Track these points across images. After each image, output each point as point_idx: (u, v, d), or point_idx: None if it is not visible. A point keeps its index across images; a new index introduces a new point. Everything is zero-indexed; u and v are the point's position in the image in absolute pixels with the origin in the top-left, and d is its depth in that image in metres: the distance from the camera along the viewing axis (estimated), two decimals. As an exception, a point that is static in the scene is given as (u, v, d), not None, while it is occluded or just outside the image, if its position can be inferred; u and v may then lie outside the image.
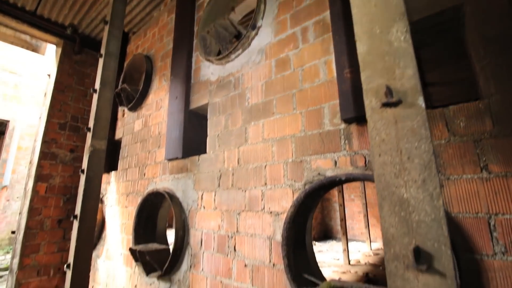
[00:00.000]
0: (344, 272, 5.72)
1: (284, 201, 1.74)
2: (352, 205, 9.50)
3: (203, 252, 2.16)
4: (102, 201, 3.81)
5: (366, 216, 8.13)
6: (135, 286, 2.77)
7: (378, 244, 8.37)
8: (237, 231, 1.97)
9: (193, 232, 2.30)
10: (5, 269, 5.68)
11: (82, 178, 2.25)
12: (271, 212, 1.80)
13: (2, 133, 9.22)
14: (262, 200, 1.87)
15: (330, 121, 1.65)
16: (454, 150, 1.22)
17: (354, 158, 1.50)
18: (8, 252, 7.18)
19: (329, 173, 1.56)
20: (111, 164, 3.91)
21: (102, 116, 2.42)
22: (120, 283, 3.03)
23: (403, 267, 0.63)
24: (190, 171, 2.50)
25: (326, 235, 10.15)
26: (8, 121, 8.17)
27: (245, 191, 1.99)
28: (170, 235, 7.66)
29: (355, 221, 9.35)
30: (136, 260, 2.62)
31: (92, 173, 2.26)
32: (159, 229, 2.99)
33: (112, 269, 3.24)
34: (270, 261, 1.73)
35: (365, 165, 1.44)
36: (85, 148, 2.35)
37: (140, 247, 2.47)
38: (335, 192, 10.07)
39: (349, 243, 8.88)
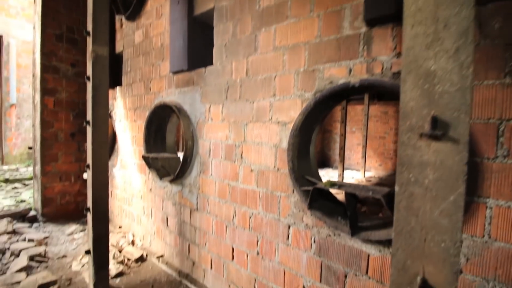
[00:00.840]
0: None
1: (292, 112, 1.75)
2: (352, 137, 9.73)
3: (212, 160, 2.30)
4: (110, 116, 3.89)
5: (365, 147, 8.40)
6: (150, 189, 3.07)
7: (371, 173, 8.90)
8: (244, 140, 2.05)
9: (201, 142, 2.40)
10: (30, 178, 6.25)
11: (89, 85, 2.23)
12: (278, 122, 1.83)
13: (-3, 48, 8.78)
14: (270, 111, 1.88)
15: (350, 24, 1.51)
16: (482, 54, 1.13)
17: (371, 65, 1.42)
18: (29, 165, 7.77)
19: (343, 81, 1.51)
20: (115, 79, 3.83)
21: (100, 20, 2.24)
22: (136, 187, 3.35)
23: (416, 137, 0.65)
24: (197, 84, 2.45)
25: (324, 163, 10.73)
26: (0, 36, 7.68)
27: (253, 102, 1.99)
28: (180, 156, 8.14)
29: (352, 152, 9.74)
30: (149, 166, 2.83)
31: (98, 81, 2.23)
32: (168, 142, 3.13)
33: (128, 176, 3.53)
34: (275, 166, 1.85)
35: (382, 72, 1.38)
36: (87, 54, 2.25)
37: (152, 155, 2.62)
38: (337, 124, 10.18)
39: (344, 171, 9.47)
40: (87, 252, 2.24)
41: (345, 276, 1.51)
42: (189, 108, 2.52)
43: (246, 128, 2.04)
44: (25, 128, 8.17)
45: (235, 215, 2.10)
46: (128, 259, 2.85)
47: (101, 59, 2.29)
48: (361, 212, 1.55)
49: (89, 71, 2.25)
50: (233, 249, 2.12)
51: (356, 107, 9.20)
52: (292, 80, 1.75)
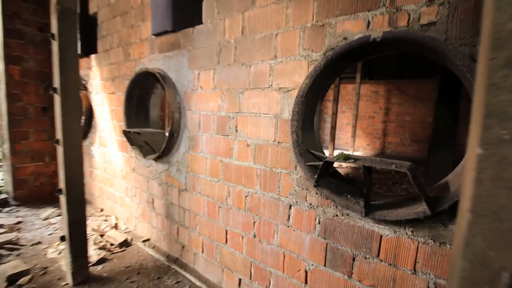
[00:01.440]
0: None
1: (297, 75, 1.51)
2: (342, 117, 9.63)
3: (202, 134, 2.05)
4: (86, 88, 3.49)
5: (355, 126, 8.34)
6: (133, 169, 2.80)
7: (359, 153, 8.93)
8: (239, 111, 1.80)
9: (190, 114, 2.14)
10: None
11: (55, 45, 1.88)
12: (280, 89, 1.59)
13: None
14: (270, 75, 1.63)
15: (370, -33, 1.25)
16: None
17: (394, 17, 1.19)
18: None
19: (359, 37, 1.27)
20: (90, 46, 3.40)
21: (64, -36, 1.86)
22: (117, 166, 3.07)
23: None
24: (184, 47, 2.14)
25: (314, 144, 10.64)
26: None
27: (250, 66, 1.72)
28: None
29: (342, 132, 9.68)
30: (131, 143, 2.54)
31: (65, 40, 1.88)
32: (152, 117, 2.83)
33: (108, 155, 3.23)
34: (275, 139, 1.63)
35: (407, 24, 1.15)
36: (51, 7, 1.88)
37: (134, 130, 2.34)
38: (327, 103, 10.02)
39: (334, 150, 9.44)
40: (62, 238, 2.00)
41: (353, 259, 1.37)
42: (175, 75, 2.22)
43: (241, 97, 1.79)
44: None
45: (229, 195, 1.90)
46: (111, 244, 2.63)
47: (69, 13, 1.92)
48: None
49: (54, 28, 1.88)
50: (226, 231, 1.94)
51: (347, 86, 9.02)
52: (297, 38, 1.50)
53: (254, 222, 1.76)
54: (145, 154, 2.44)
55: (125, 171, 2.94)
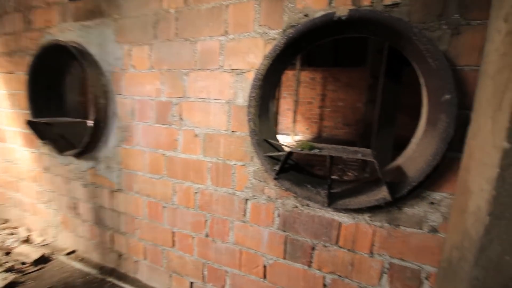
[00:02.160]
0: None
1: (252, 56, 1.34)
2: (283, 103, 9.92)
3: (138, 124, 1.72)
4: (-34, 64, 2.62)
5: (295, 112, 8.70)
6: (46, 168, 2.25)
7: (300, 137, 9.41)
8: (184, 96, 1.55)
9: (120, 100, 1.77)
10: None
11: None
12: (232, 70, 1.40)
13: None
14: (220, 55, 1.42)
15: None
16: (488, -17, 0.95)
17: (356, -5, 1.12)
18: None
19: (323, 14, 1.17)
20: (-33, 6, 2.53)
21: None
22: (23, 166, 2.44)
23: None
24: (108, 16, 1.73)
25: (256, 130, 10.74)
26: None
27: (196, 43, 1.48)
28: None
29: (283, 117, 10.00)
30: (41, 137, 2.01)
31: None
32: (69, 103, 2.30)
33: (9, 152, 2.53)
34: (227, 128, 1.45)
35: (371, 4, 1.10)
36: None
37: (43, 120, 1.83)
38: (269, 90, 10.13)
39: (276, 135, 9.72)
40: None
41: (313, 249, 1.33)
42: (98, 51, 1.80)
43: (186, 79, 1.53)
44: None
45: (175, 193, 1.66)
46: (23, 263, 2.10)
47: None
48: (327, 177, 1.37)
49: None
50: (173, 233, 1.71)
51: (287, 72, 9.26)
52: (252, 11, 1.32)
53: (206, 221, 1.58)
54: (61, 150, 1.96)
55: (35, 172, 2.35)
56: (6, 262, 2.09)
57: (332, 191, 1.28)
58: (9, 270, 2.02)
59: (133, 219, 1.85)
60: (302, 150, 1.11)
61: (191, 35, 1.48)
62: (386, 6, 1.07)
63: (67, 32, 1.92)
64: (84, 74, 2.38)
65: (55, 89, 2.23)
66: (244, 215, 1.47)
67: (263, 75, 1.27)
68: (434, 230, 1.10)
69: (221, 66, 1.43)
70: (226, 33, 1.40)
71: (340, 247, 1.28)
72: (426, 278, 1.13)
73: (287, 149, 1.16)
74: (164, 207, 1.71)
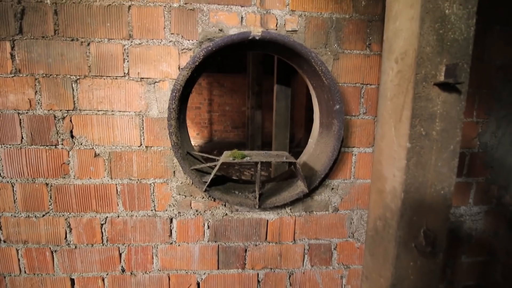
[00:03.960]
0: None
1: (165, 64, 1.26)
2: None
3: (-5, 147, 1.24)
4: None
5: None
6: None
7: (192, 142, 9.23)
8: (74, 108, 1.25)
9: (-44, 115, 1.22)
10: None
11: None
12: (142, 79, 1.26)
13: None
14: (124, 61, 1.24)
15: (237, -39, 1.24)
16: (353, 26, 1.32)
17: (265, 18, 1.26)
18: None
19: (235, 32, 1.25)
20: None
21: None
22: None
23: (430, 87, 0.60)
24: None
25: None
26: None
27: (88, 44, 1.22)
28: None
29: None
30: None
31: None
32: None
33: None
34: (141, 144, 1.29)
35: (276, 28, 1.27)
36: None
37: None
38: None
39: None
40: None
41: (245, 251, 1.41)
42: None
43: (77, 88, 1.24)
44: None
45: (71, 230, 1.31)
46: None
47: None
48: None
49: None
50: (73, 281, 1.35)
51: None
52: (162, 18, 1.23)
53: (121, 254, 1.35)
54: None
55: None
56: None
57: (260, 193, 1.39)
58: None
59: (2, 279, 1.32)
60: (234, 159, 1.16)
61: (81, 35, 1.22)
62: (288, 31, 1.28)
63: None
64: None
65: None
66: (170, 235, 1.36)
67: (182, 86, 1.22)
68: (336, 209, 1.42)
69: (126, 73, 1.25)
70: (130, 37, 1.24)
71: (269, 242, 1.41)
72: (335, 249, 1.44)
73: (220, 159, 1.17)
74: (54, 251, 1.32)
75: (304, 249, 1.43)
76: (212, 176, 1.20)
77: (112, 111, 1.27)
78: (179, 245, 1.37)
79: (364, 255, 0.77)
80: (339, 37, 1.31)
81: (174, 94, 1.21)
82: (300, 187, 1.32)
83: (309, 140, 1.62)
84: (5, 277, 1.32)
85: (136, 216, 1.33)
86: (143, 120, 1.28)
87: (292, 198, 1.31)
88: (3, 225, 1.29)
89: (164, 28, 1.24)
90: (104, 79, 1.25)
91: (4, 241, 1.30)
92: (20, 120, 1.24)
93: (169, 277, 1.39)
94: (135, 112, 1.28)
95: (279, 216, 1.40)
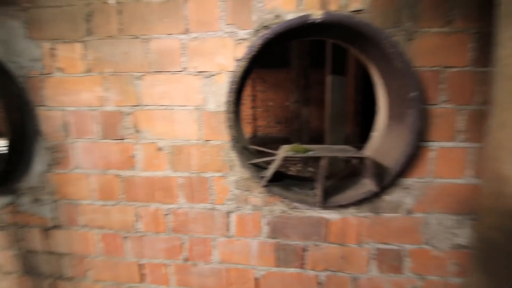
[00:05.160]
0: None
1: (221, 57, 1.22)
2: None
3: (74, 142, 1.38)
4: None
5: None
6: None
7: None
8: (138, 103, 1.31)
9: (44, 113, 1.37)
10: None
11: None
12: (199, 73, 1.25)
13: None
14: (182, 55, 1.24)
15: None
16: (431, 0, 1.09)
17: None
18: None
19: (292, 17, 1.14)
20: None
21: None
22: None
23: None
24: (13, 4, 1.30)
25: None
26: None
27: (148, 41, 1.25)
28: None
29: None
30: None
31: None
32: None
33: None
34: (199, 138, 1.30)
35: (339, 9, 1.12)
36: None
37: None
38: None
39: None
40: None
41: (304, 250, 1.34)
42: (2, 50, 1.34)
43: (140, 84, 1.29)
44: None
45: (139, 219, 1.40)
46: None
47: None
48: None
49: None
50: (141, 266, 1.45)
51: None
52: (217, 8, 1.19)
53: (183, 244, 1.40)
54: (-47, 187, 1.41)
55: None
56: None
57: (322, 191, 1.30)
58: None
59: (82, 259, 1.49)
60: (296, 153, 1.08)
61: (142, 32, 1.25)
62: (351, 11, 1.11)
63: None
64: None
65: None
66: (228, 229, 1.35)
67: (239, 78, 1.17)
68: (409, 211, 1.24)
69: (184, 68, 1.25)
70: (187, 31, 1.22)
71: (330, 243, 1.32)
72: (407, 256, 1.27)
73: (280, 154, 1.11)
74: (125, 237, 1.43)
75: (370, 253, 1.30)
76: (272, 171, 1.14)
77: (172, 105, 1.29)
78: (237, 239, 1.36)
79: (472, 271, 0.63)
80: (413, 14, 1.10)
81: (231, 86, 1.16)
82: (367, 185, 1.18)
83: (373, 134, 1.44)
84: (84, 258, 1.48)
85: (196, 208, 1.35)
86: (200, 114, 1.28)
87: (358, 198, 1.19)
88: (83, 212, 1.44)
89: (219, 19, 1.19)
90: (164, 74, 1.27)
91: (84, 226, 1.45)
92: (92, 116, 1.34)
93: (227, 270, 1.40)
94: (193, 106, 1.28)
95: (343, 216, 1.28)
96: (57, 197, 1.44)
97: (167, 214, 1.38)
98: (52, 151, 1.40)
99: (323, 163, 1.08)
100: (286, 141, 7.65)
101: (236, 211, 1.33)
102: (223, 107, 1.25)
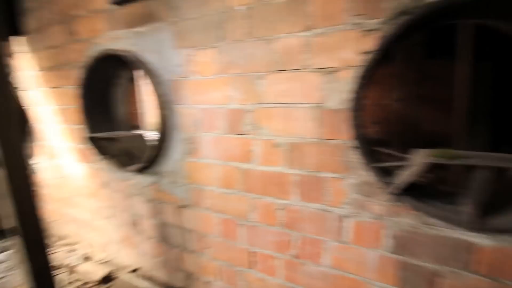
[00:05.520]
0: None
1: (346, 52, 1.13)
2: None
3: (204, 135, 1.57)
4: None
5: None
6: (104, 184, 2.18)
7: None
8: (259, 101, 1.37)
9: (182, 110, 1.62)
10: None
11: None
12: (319, 70, 1.20)
13: None
14: (304, 52, 1.22)
15: None
16: None
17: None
18: None
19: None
20: (7, 23, 2.49)
21: None
22: (78, 182, 2.39)
23: None
24: (163, 20, 1.57)
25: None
26: None
27: (271, 42, 1.29)
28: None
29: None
30: (102, 152, 1.92)
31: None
32: (118, 115, 2.20)
33: (62, 168, 2.50)
34: (317, 136, 1.26)
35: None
36: None
37: (104, 135, 1.73)
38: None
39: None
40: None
41: (437, 276, 1.12)
42: (154, 58, 1.65)
43: (261, 83, 1.35)
44: None
45: (253, 210, 1.50)
46: (86, 283, 2.05)
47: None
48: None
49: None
50: (251, 253, 1.55)
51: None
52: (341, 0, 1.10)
53: (293, 240, 1.41)
54: (122, 165, 1.86)
55: (92, 188, 2.29)
56: (71, 282, 2.05)
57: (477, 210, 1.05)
58: (77, 291, 1.97)
59: (203, 237, 1.72)
60: (443, 160, 0.90)
61: (266, 33, 1.29)
62: None
63: (117, 41, 1.79)
64: (132, 84, 2.27)
65: (103, 102, 2.14)
66: (342, 234, 1.28)
67: (368, 72, 1.05)
68: None
69: (305, 65, 1.23)
70: (309, 27, 1.19)
71: (476, 274, 1.05)
72: None
73: (420, 159, 0.95)
74: (240, 224, 1.56)
75: (542, 299, 0.97)
76: (409, 178, 0.99)
77: (291, 103, 1.29)
78: (352, 247, 1.27)
79: None
80: None
81: (356, 82, 1.07)
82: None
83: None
84: (205, 237, 1.70)
85: (309, 207, 1.33)
86: (320, 112, 1.24)
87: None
88: (207, 196, 1.64)
89: (344, 10, 1.11)
90: (284, 73, 1.29)
91: (207, 209, 1.65)
92: (219, 113, 1.50)
93: (339, 277, 1.33)
94: (312, 104, 1.25)
95: (500, 244, 1.00)
96: (189, 181, 1.69)
97: (279, 209, 1.41)
98: (186, 143, 1.64)
99: (482, 174, 0.85)
100: (386, 143, 6.79)
101: (353, 217, 1.24)
102: (344, 105, 1.17)
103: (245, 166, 1.47)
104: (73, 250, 2.48)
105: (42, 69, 2.33)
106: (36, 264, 1.42)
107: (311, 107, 1.25)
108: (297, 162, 1.32)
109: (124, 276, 2.13)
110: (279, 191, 1.40)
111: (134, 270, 2.14)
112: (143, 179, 1.89)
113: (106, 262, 2.30)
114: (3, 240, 2.79)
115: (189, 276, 1.85)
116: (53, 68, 2.24)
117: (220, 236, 1.65)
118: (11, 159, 1.29)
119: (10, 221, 1.32)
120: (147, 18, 1.63)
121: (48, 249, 1.46)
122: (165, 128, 1.66)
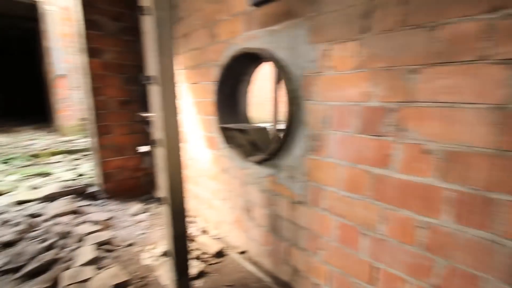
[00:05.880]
0: None
1: None
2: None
3: (331, 133, 1.51)
4: (165, 79, 3.24)
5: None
6: (224, 169, 2.44)
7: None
8: (407, 99, 1.20)
9: (311, 106, 1.60)
10: (85, 150, 6.19)
11: (149, 21, 1.50)
12: (503, 61, 0.93)
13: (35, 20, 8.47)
14: (482, 40, 0.98)
15: None
16: None
17: None
18: (82, 137, 7.79)
19: None
20: (167, 31, 3.10)
21: None
22: (203, 165, 2.77)
23: None
24: (299, 16, 1.58)
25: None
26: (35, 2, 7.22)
27: (434, 29, 1.09)
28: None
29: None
30: (228, 142, 2.15)
31: (162, 13, 1.48)
32: (242, 109, 2.39)
33: (192, 152, 2.96)
34: (492, 145, 0.99)
35: None
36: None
37: (234, 126, 1.92)
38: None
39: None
40: (167, 254, 1.73)
41: None
42: (287, 55, 1.70)
43: (414, 78, 1.17)
44: (76, 99, 8.10)
45: (384, 221, 1.34)
46: (204, 253, 2.35)
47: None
48: None
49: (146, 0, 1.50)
50: (373, 268, 1.40)
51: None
52: None
53: (436, 268, 1.18)
54: (246, 155, 2.02)
55: (213, 171, 2.61)
56: (192, 250, 2.39)
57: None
58: (196, 258, 2.28)
59: (316, 238, 1.67)
60: None
61: (427, 19, 1.10)
62: None
63: (252, 40, 1.93)
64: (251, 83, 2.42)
65: (232, 96, 2.36)
66: (518, 277, 0.98)
67: None
68: None
69: (483, 56, 0.98)
70: (497, 7, 0.93)
71: None
72: None
73: None
74: (363, 234, 1.43)
75: None
76: None
77: (455, 102, 1.07)
78: (532, 297, 0.95)
79: None
80: None
81: None
82: None
83: None
84: (319, 238, 1.64)
85: (466, 233, 1.08)
86: (499, 114, 0.97)
87: None
88: (327, 197, 1.58)
89: None
90: (449, 66, 1.07)
91: (324, 210, 1.59)
92: (353, 110, 1.40)
93: (502, 328, 1.03)
94: (489, 105, 0.99)
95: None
96: (308, 178, 1.67)
97: (420, 227, 1.21)
98: (311, 139, 1.62)
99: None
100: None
101: (543, 259, 0.92)
102: (548, 107, 0.87)
103: (378, 171, 1.33)
104: (194, 222, 2.90)
105: (186, 67, 2.80)
106: (177, 230, 1.70)
107: (487, 108, 0.99)
108: (455, 175, 1.09)
109: (233, 255, 2.33)
110: (423, 206, 1.19)
111: (243, 252, 2.32)
112: (261, 170, 2.00)
113: (218, 238, 2.59)
114: (145, 203, 3.54)
115: (296, 273, 1.85)
116: (194, 67, 2.65)
117: (336, 241, 1.56)
118: (171, 141, 1.57)
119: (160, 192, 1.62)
120: (283, 16, 1.69)
121: (186, 219, 1.73)
122: (291, 123, 1.69)
